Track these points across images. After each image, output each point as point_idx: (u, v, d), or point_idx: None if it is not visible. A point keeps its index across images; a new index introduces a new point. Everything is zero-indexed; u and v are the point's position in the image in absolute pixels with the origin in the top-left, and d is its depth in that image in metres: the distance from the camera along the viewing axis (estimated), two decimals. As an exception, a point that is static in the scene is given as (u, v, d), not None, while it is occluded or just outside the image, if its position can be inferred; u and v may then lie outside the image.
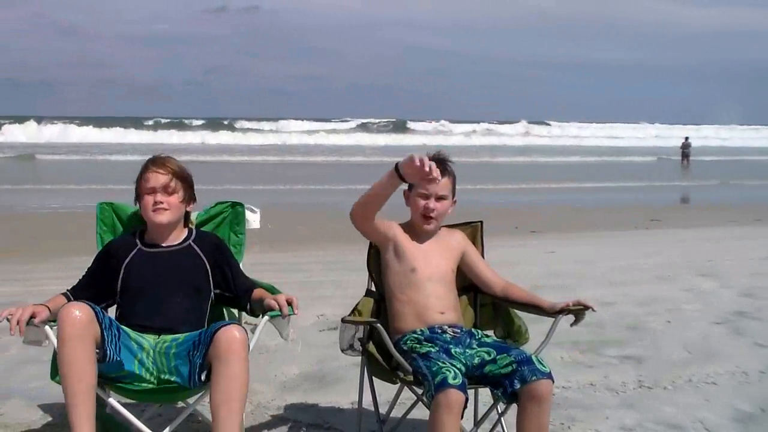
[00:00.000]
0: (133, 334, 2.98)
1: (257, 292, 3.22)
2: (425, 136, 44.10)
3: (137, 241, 3.24)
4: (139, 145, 34.24)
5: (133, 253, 3.19)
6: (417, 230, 3.36)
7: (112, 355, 2.79)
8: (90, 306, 2.79)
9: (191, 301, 3.16)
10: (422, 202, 3.31)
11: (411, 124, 55.10)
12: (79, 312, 2.74)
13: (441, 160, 3.27)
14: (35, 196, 16.17)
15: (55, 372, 2.95)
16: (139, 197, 3.21)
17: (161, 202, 3.15)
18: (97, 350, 2.77)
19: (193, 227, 3.38)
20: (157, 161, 3.22)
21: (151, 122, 50.23)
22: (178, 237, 3.26)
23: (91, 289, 3.16)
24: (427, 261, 3.30)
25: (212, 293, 3.26)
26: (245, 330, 2.88)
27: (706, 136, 49.62)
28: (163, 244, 3.23)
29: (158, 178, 3.16)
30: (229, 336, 2.79)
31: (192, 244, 3.26)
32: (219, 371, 2.77)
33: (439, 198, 3.31)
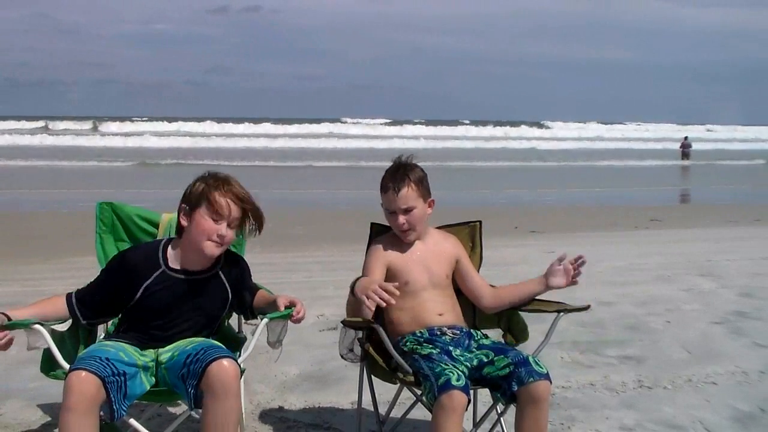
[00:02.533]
0: (132, 349, 2.91)
1: (259, 296, 3.16)
2: (425, 138, 44.00)
3: (161, 260, 2.98)
4: (133, 148, 33.78)
5: (156, 274, 2.96)
6: (403, 239, 3.31)
7: (118, 414, 2.72)
8: (97, 375, 2.64)
9: (203, 323, 3.06)
10: (393, 221, 3.26)
11: (410, 126, 55.11)
12: (87, 385, 2.61)
13: (398, 169, 3.24)
14: (34, 196, 16.17)
15: (47, 367, 2.93)
16: (193, 211, 2.91)
17: (224, 236, 2.91)
18: (102, 413, 2.69)
19: None
20: (234, 188, 2.93)
21: (149, 123, 50.07)
22: (208, 262, 3.03)
23: (99, 301, 3.00)
24: (421, 271, 3.26)
25: (225, 314, 3.20)
26: (237, 363, 2.77)
27: (711, 138, 49.54)
28: (191, 269, 2.99)
29: (234, 209, 2.90)
30: (222, 371, 2.69)
31: (220, 272, 3.05)
32: (210, 406, 2.71)
33: (406, 210, 3.22)
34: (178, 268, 2.99)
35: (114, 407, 2.69)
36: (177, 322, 2.99)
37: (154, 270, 2.97)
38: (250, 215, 2.99)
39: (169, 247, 3.03)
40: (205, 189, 2.91)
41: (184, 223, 2.97)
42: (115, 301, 3.00)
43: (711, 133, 56.19)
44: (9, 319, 2.77)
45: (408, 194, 3.21)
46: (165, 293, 2.96)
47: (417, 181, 3.23)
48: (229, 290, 3.08)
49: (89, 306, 3.00)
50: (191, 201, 2.93)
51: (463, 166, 26.91)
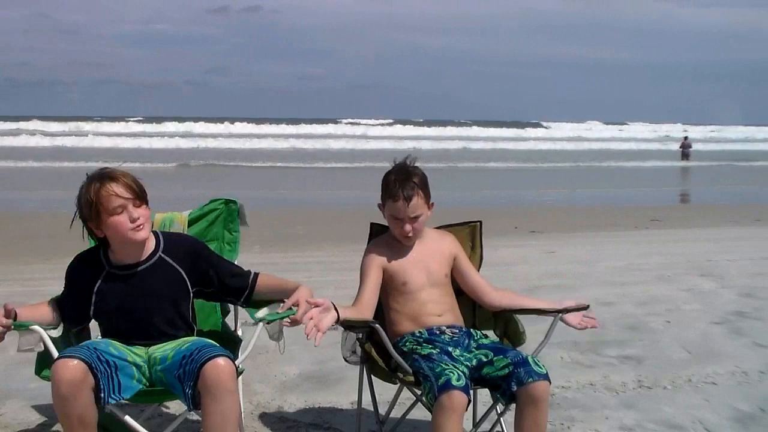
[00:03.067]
0: (122, 346, 2.92)
1: (270, 282, 3.08)
2: (425, 140, 43.89)
3: (103, 262, 2.99)
4: (131, 149, 33.09)
5: (101, 277, 2.97)
6: (399, 240, 3.30)
7: (106, 399, 2.71)
8: (82, 359, 2.65)
9: (172, 311, 3.03)
10: (398, 228, 3.24)
11: (410, 127, 55.10)
12: (73, 372, 2.61)
13: (406, 176, 3.20)
14: (34, 196, 16.17)
15: (41, 367, 2.93)
16: (101, 219, 2.87)
17: (138, 218, 2.88)
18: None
19: (159, 230, 3.15)
20: (108, 176, 2.89)
21: (148, 125, 49.91)
22: (147, 249, 3.01)
23: (70, 306, 3.01)
24: (418, 271, 3.25)
25: (191, 293, 3.08)
26: (232, 360, 2.75)
27: (713, 138, 49.53)
28: (133, 262, 2.98)
29: (122, 192, 2.85)
30: (217, 370, 2.68)
31: (162, 255, 3.02)
32: (209, 407, 2.69)
33: (414, 218, 3.21)
34: (121, 264, 2.99)
35: (101, 395, 2.69)
36: (143, 318, 2.97)
37: (100, 273, 2.99)
38: (137, 186, 2.92)
39: (109, 250, 3.01)
40: (92, 199, 2.86)
41: (102, 235, 2.94)
42: (77, 308, 3.02)
43: (713, 133, 56.17)
44: (15, 318, 2.80)
45: (418, 203, 3.20)
46: (117, 291, 2.97)
47: (423, 188, 3.23)
48: (181, 270, 3.03)
49: (66, 315, 3.02)
50: (92, 217, 2.89)
51: (464, 167, 26.89)
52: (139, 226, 2.89)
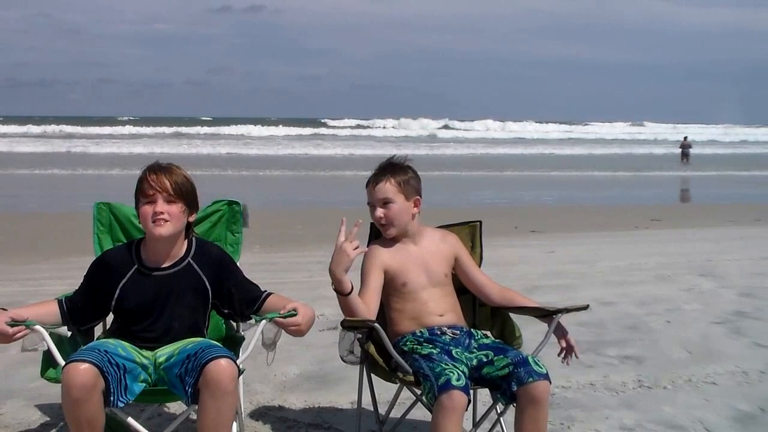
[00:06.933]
0: (131, 347, 2.92)
1: (273, 301, 3.04)
2: (430, 142, 43.87)
3: (134, 258, 3.04)
4: (126, 155, 32.10)
5: (130, 273, 3.01)
6: (398, 240, 3.31)
7: (115, 403, 2.72)
8: (93, 363, 2.65)
9: (190, 318, 3.05)
10: (372, 215, 3.28)
11: (414, 128, 55.18)
12: (84, 376, 2.62)
13: (383, 166, 3.27)
14: (34, 196, 16.18)
15: (45, 368, 2.93)
16: (137, 206, 3.00)
17: (161, 213, 2.92)
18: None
19: (194, 236, 3.15)
20: (156, 167, 2.99)
21: (149, 127, 49.78)
22: (177, 253, 3.04)
23: (86, 302, 3.02)
24: (418, 271, 3.25)
25: (210, 304, 3.11)
26: (234, 362, 2.75)
27: (715, 139, 49.65)
28: (162, 265, 3.02)
29: (158, 185, 2.93)
30: (220, 371, 2.69)
31: (191, 261, 3.04)
32: (207, 404, 2.71)
33: (384, 203, 3.23)
34: (150, 265, 3.03)
35: (111, 399, 2.70)
36: (160, 319, 2.98)
37: (129, 268, 3.02)
38: (179, 184, 2.97)
39: (142, 246, 3.07)
40: (137, 184, 3.00)
41: (140, 222, 3.05)
42: (100, 304, 3.04)
43: (715, 134, 56.26)
44: (11, 318, 2.77)
45: (385, 188, 3.22)
46: (141, 291, 2.99)
47: (399, 178, 3.24)
48: (206, 280, 3.05)
49: (78, 314, 3.02)
50: (135, 199, 3.02)
51: (468, 169, 26.90)
52: (159, 221, 2.93)
